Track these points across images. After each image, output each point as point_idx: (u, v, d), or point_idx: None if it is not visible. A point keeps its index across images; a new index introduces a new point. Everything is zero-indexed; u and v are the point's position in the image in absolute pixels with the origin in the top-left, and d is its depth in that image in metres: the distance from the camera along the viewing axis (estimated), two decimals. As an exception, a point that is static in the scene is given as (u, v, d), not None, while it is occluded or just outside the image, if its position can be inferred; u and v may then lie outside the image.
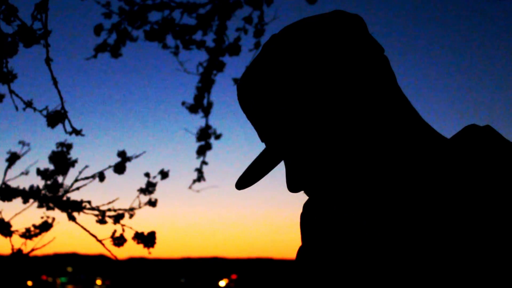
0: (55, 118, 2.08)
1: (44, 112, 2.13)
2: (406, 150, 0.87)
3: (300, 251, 1.01)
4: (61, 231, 2.46)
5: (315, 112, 0.86)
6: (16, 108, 2.07)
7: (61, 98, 2.06)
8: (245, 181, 0.93)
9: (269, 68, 0.89)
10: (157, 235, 2.53)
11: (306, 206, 1.05)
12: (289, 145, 0.89)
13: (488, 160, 0.82)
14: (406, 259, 0.81)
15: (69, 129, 2.13)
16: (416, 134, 0.89)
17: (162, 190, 3.00)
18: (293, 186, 0.92)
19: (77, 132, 2.13)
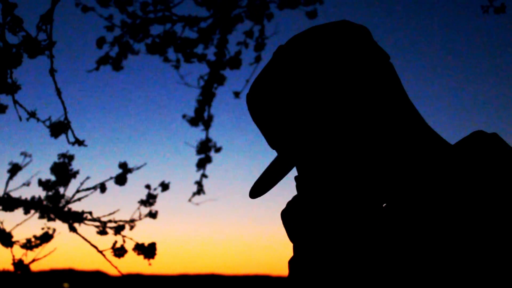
0: (58, 128, 2.10)
1: (47, 123, 2.14)
2: (412, 156, 0.89)
3: (293, 262, 0.96)
4: (58, 246, 2.46)
5: (324, 119, 0.88)
6: (20, 119, 2.08)
7: (65, 109, 2.08)
8: (259, 189, 0.95)
9: (279, 77, 0.91)
10: (156, 250, 2.54)
11: (291, 203, 0.99)
12: (300, 151, 0.91)
13: (493, 168, 0.83)
14: (410, 264, 0.82)
15: (72, 139, 2.14)
16: (421, 140, 0.91)
17: (161, 202, 3.01)
18: (303, 194, 0.94)
19: (80, 142, 2.14)
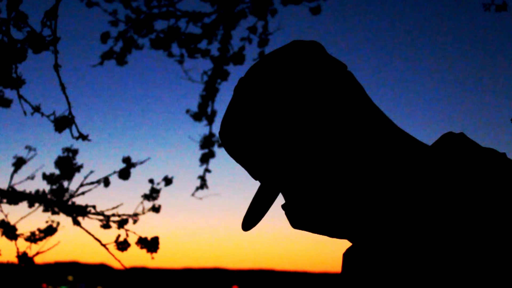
0: (63, 123, 2.12)
1: (51, 117, 2.16)
2: (387, 160, 0.89)
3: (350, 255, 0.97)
4: (62, 239, 2.48)
5: (295, 140, 0.89)
6: (25, 113, 2.11)
7: (69, 104, 2.10)
8: (250, 222, 0.96)
9: (244, 110, 0.93)
10: (159, 243, 2.56)
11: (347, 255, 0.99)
12: (280, 176, 0.92)
13: (468, 166, 0.85)
14: (394, 271, 0.83)
15: (75, 134, 2.16)
16: (396, 143, 0.91)
17: (165, 196, 3.03)
18: (295, 221, 0.95)
19: (83, 137, 2.16)
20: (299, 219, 0.95)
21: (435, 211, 0.83)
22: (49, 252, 2.57)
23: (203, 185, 3.46)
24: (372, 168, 0.89)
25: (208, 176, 3.46)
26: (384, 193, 0.89)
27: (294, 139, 0.89)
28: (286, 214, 0.97)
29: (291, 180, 0.92)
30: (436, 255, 0.79)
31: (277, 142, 0.90)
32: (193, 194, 3.44)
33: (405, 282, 0.81)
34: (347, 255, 0.97)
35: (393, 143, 0.91)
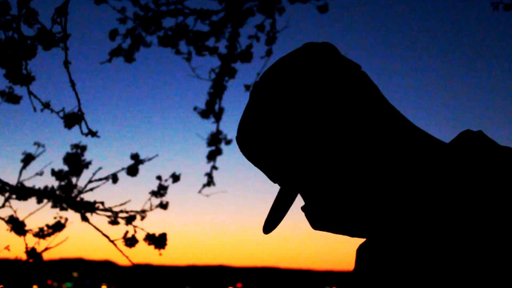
0: (72, 119, 2.13)
1: (61, 114, 2.17)
2: (407, 160, 0.90)
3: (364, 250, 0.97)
4: (68, 236, 2.50)
5: (313, 141, 0.90)
6: (34, 109, 2.12)
7: (78, 100, 2.11)
8: (271, 224, 0.98)
9: (261, 114, 0.94)
10: (167, 240, 2.57)
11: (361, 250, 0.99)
12: (300, 177, 0.93)
13: (486, 165, 0.85)
14: (410, 267, 0.83)
15: (85, 130, 2.17)
16: (413, 142, 0.92)
17: (172, 193, 3.04)
18: (315, 222, 0.96)
19: (93, 133, 2.17)
20: (319, 220, 0.96)
21: (451, 210, 0.83)
22: (54, 249, 2.59)
23: (210, 182, 3.47)
24: (390, 168, 0.90)
25: (215, 173, 3.48)
26: (401, 192, 0.89)
27: (312, 141, 0.90)
28: (306, 215, 0.98)
29: (310, 182, 0.93)
30: (448, 252, 0.80)
31: (295, 145, 0.91)
32: (200, 191, 3.45)
33: (419, 277, 0.82)
34: (360, 250, 0.97)
35: (410, 142, 0.92)
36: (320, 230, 0.97)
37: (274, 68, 0.96)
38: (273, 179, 0.99)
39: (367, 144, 0.90)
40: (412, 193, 0.89)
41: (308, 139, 0.90)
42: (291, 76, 0.92)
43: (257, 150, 0.96)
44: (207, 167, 3.46)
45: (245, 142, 0.98)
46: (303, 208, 0.98)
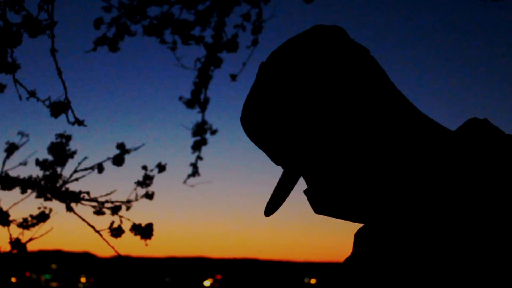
0: (59, 108, 2.10)
1: (47, 103, 2.14)
2: (412, 146, 0.90)
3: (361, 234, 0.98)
4: (46, 228, 2.47)
5: (319, 124, 0.89)
6: (20, 98, 2.09)
7: (65, 88, 2.08)
8: (273, 206, 0.97)
9: (268, 94, 0.93)
10: (153, 230, 2.55)
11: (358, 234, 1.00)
12: (304, 160, 0.93)
13: (491, 153, 0.85)
14: (414, 259, 0.83)
15: (72, 119, 2.14)
16: (418, 129, 0.91)
17: (157, 183, 3.01)
18: (318, 206, 0.96)
19: (79, 122, 2.15)
20: (322, 204, 0.95)
21: (453, 197, 0.83)
22: (32, 240, 2.55)
23: (195, 172, 3.45)
24: (395, 153, 0.89)
25: (200, 164, 3.46)
26: (405, 178, 0.89)
27: (317, 124, 0.90)
28: (309, 199, 0.97)
29: (314, 166, 0.93)
30: (449, 243, 0.80)
31: (300, 128, 0.91)
32: (185, 182, 3.43)
33: (416, 261, 0.82)
34: (359, 234, 0.97)
35: (415, 128, 0.91)
36: (322, 214, 0.97)
37: (281, 50, 0.95)
38: (276, 161, 0.98)
39: (373, 129, 0.89)
40: (415, 180, 0.89)
41: (314, 122, 0.90)
42: (299, 58, 0.91)
43: (261, 132, 0.95)
44: (193, 157, 3.45)
45: (250, 122, 0.97)
46: (305, 192, 0.98)
